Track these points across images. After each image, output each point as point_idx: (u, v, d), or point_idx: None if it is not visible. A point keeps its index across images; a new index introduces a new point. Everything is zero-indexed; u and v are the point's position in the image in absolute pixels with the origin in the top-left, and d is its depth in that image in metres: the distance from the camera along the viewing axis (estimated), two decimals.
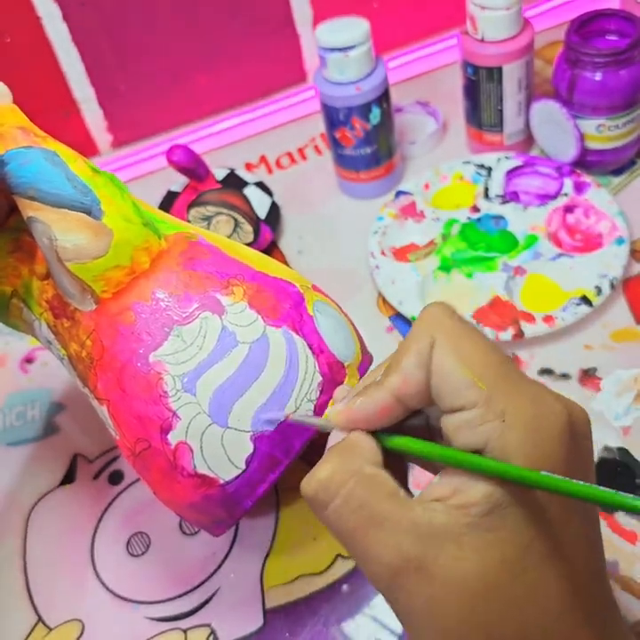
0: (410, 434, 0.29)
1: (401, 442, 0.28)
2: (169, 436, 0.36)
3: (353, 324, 0.43)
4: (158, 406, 0.36)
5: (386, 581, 0.26)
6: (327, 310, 0.40)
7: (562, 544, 0.26)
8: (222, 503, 0.37)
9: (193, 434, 0.36)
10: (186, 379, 0.35)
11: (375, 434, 0.29)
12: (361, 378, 0.40)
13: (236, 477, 0.36)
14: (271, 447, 0.36)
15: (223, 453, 0.36)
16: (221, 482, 0.36)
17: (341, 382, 0.38)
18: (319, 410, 0.37)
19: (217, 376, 0.35)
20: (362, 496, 0.26)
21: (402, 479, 0.29)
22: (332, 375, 0.38)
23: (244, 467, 0.36)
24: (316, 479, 0.27)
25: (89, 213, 0.35)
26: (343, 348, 0.39)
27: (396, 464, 0.29)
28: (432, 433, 0.30)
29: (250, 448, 0.36)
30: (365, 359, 0.41)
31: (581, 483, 0.24)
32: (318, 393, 0.37)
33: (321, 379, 0.37)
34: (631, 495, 0.23)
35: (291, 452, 0.37)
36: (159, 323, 0.36)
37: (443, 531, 0.25)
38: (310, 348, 0.37)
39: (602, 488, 0.24)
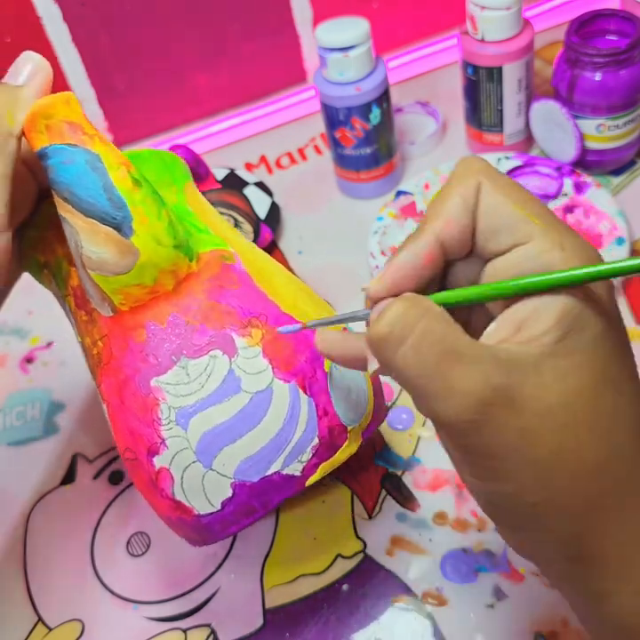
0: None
1: (455, 294, 0.26)
2: (154, 459, 0.36)
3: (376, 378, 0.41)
4: (150, 429, 0.36)
5: (472, 415, 0.24)
6: None
7: (629, 367, 0.26)
8: (195, 529, 0.37)
9: (176, 465, 0.35)
10: (181, 412, 0.35)
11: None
12: (363, 441, 0.39)
13: (211, 514, 0.36)
14: (250, 497, 0.36)
15: (201, 490, 0.36)
16: (196, 513, 0.36)
17: (339, 447, 0.37)
18: (307, 471, 0.36)
19: (212, 418, 0.35)
20: (440, 329, 0.24)
21: None
22: (331, 439, 0.37)
23: (219, 507, 0.36)
24: (387, 320, 0.25)
25: (119, 229, 0.33)
26: (352, 412, 0.38)
27: None
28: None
29: (228, 493, 0.36)
30: (374, 422, 0.40)
31: None
32: (311, 455, 0.36)
33: (317, 442, 0.36)
34: None
35: (268, 506, 0.36)
36: (168, 349, 0.35)
37: (522, 361, 0.24)
38: (315, 409, 0.36)
39: None
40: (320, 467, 0.37)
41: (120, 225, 0.33)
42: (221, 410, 0.35)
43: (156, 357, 0.35)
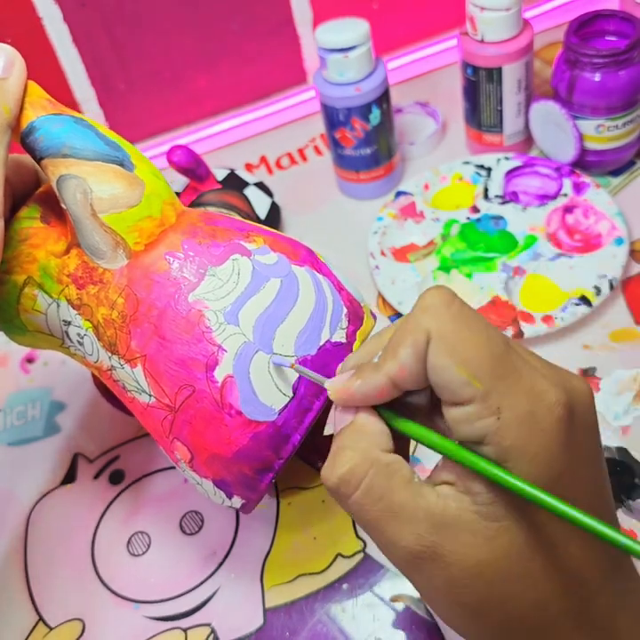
0: (412, 406, 0.29)
1: (406, 426, 0.28)
2: (215, 373, 0.36)
3: None
4: (202, 343, 0.36)
5: (406, 565, 0.28)
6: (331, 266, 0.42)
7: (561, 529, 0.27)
8: (271, 440, 0.36)
9: (240, 365, 0.36)
10: (228, 312, 0.36)
11: (379, 410, 0.29)
12: (374, 320, 0.41)
13: (285, 407, 0.36)
14: (314, 372, 0.36)
15: (271, 381, 0.36)
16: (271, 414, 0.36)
17: (362, 317, 0.40)
18: (350, 337, 0.39)
19: (256, 306, 0.37)
20: (381, 487, 0.27)
21: (406, 451, 0.31)
22: (354, 309, 0.39)
23: (291, 394, 0.36)
24: (337, 473, 0.27)
25: (122, 165, 0.37)
26: (356, 293, 0.41)
27: (401, 438, 0.29)
28: (434, 405, 0.30)
29: (295, 374, 0.36)
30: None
31: (572, 510, 0.24)
32: (347, 322, 0.39)
33: (346, 310, 0.39)
34: (624, 536, 0.23)
35: (330, 377, 0.37)
36: (194, 266, 0.37)
37: (456, 520, 0.26)
38: (333, 285, 0.39)
39: (593, 520, 0.24)
40: (357, 334, 0.39)
41: (122, 161, 0.37)
42: (262, 297, 0.37)
43: (185, 277, 0.37)
